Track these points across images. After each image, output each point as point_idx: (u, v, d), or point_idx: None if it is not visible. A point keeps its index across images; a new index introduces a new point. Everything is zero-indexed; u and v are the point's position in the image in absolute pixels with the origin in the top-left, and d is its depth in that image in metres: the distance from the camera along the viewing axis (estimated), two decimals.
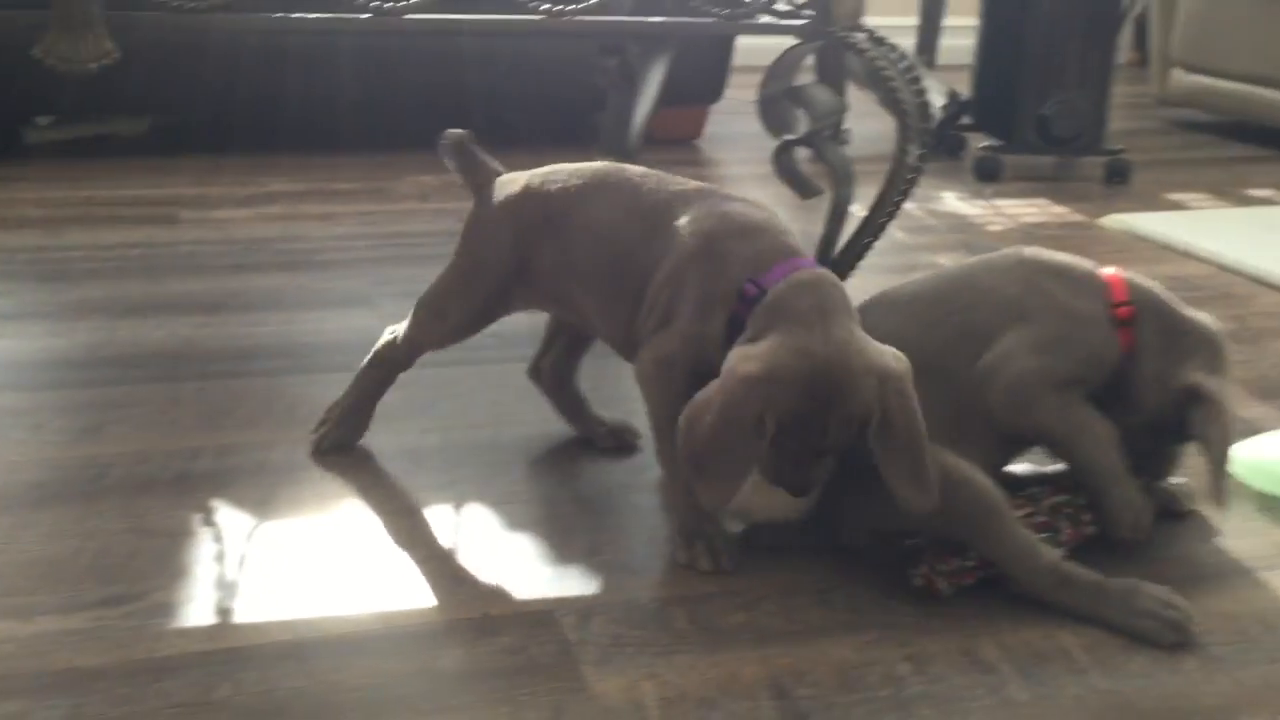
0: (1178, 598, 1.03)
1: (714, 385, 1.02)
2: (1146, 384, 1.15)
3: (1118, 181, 2.76)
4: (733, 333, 1.07)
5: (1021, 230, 2.35)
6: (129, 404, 1.43)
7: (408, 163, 2.66)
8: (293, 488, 1.24)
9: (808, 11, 1.60)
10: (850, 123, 2.97)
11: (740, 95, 2.58)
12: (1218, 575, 1.13)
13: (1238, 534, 1.20)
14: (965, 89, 3.04)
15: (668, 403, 1.11)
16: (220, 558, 1.10)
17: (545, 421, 1.37)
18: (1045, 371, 1.13)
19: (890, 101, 1.55)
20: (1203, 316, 1.19)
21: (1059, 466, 1.18)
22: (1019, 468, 1.22)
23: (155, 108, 2.86)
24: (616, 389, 1.46)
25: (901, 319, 1.12)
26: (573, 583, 1.08)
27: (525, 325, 1.38)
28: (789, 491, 1.05)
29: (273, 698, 0.91)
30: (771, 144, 1.67)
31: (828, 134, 1.63)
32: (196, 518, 1.17)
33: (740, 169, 2.86)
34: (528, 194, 1.23)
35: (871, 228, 1.62)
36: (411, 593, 1.06)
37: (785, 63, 1.63)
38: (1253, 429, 1.39)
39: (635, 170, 1.22)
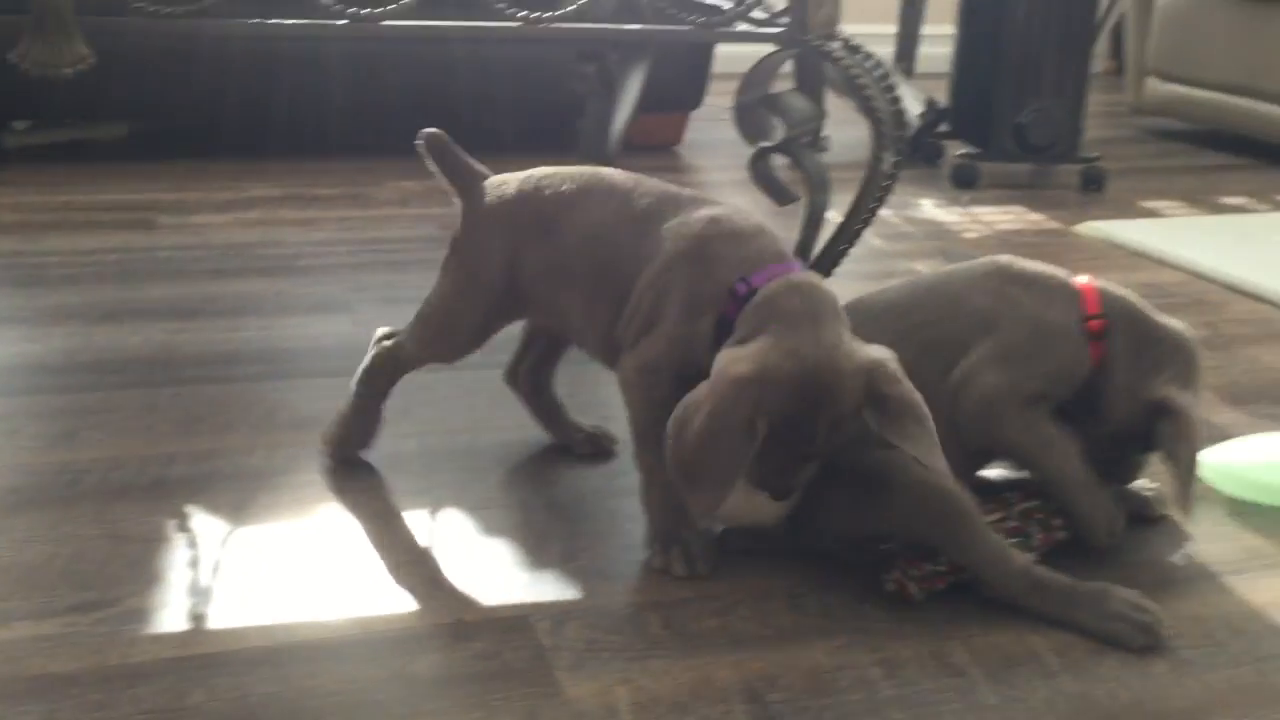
0: (1147, 601, 1.04)
1: (703, 388, 1.02)
2: (1116, 395, 1.16)
3: (1093, 189, 2.79)
4: (721, 334, 1.07)
5: (998, 237, 2.36)
6: (105, 409, 1.42)
7: (389, 168, 2.66)
8: (269, 493, 1.24)
9: (783, 20, 1.61)
10: (829, 130, 2.99)
11: (720, 102, 2.59)
12: (1187, 580, 1.14)
13: (1207, 538, 1.21)
14: (944, 97, 3.06)
15: (650, 408, 1.11)
16: (195, 563, 1.10)
17: (522, 427, 1.37)
18: (1012, 388, 1.13)
19: (865, 109, 1.56)
20: (1176, 326, 1.20)
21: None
22: (991, 472, 1.23)
23: (134, 113, 2.85)
24: (594, 395, 1.46)
25: (874, 330, 1.12)
26: (548, 588, 1.09)
27: (503, 330, 1.38)
28: (771, 494, 1.05)
29: (246, 703, 0.91)
30: (750, 151, 1.68)
31: (805, 141, 1.64)
32: (171, 523, 1.17)
33: (720, 175, 2.87)
34: (521, 197, 1.22)
35: (847, 234, 1.63)
36: (386, 598, 1.06)
37: (761, 70, 1.64)
38: (1223, 434, 1.40)
39: (628, 175, 1.22)
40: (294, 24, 1.53)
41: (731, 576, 1.11)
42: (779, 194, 1.65)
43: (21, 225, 2.21)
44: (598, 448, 1.35)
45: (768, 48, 1.66)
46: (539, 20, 1.54)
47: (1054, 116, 2.75)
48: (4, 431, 1.36)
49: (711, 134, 3.22)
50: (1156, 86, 3.52)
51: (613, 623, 1.03)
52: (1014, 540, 1.10)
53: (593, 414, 1.40)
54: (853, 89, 1.57)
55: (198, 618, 1.02)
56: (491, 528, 1.19)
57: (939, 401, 1.13)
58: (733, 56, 2.51)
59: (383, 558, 1.13)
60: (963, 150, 2.85)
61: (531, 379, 1.35)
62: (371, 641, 1.00)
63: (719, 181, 2.80)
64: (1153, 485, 1.25)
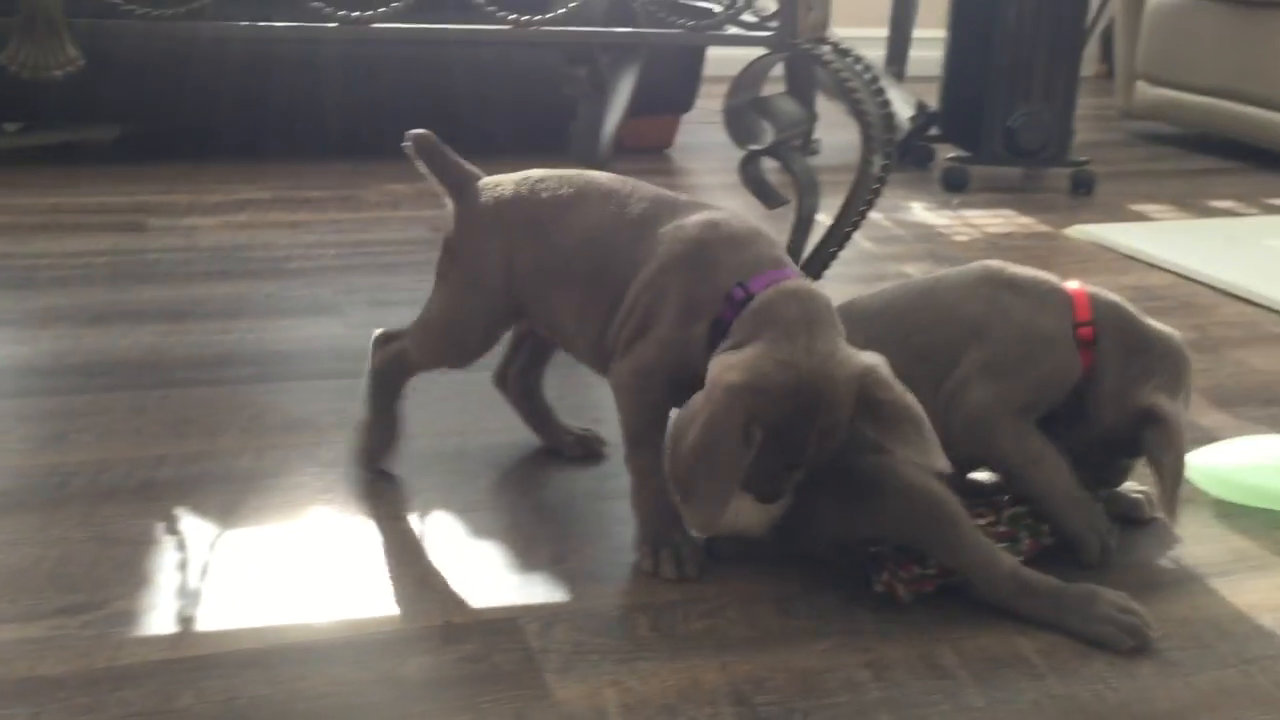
0: (1135, 604, 1.04)
1: (698, 398, 1.02)
2: (1104, 401, 1.16)
3: (1083, 193, 2.80)
4: (715, 338, 1.06)
5: (987, 240, 2.37)
6: (93, 412, 1.42)
7: (379, 170, 2.66)
8: (258, 496, 1.24)
9: (773, 23, 1.61)
10: (820, 133, 3.00)
11: (712, 105, 2.60)
12: (1174, 581, 1.14)
13: (1195, 540, 1.21)
14: (934, 101, 3.07)
15: (643, 412, 1.11)
16: (183, 566, 1.10)
17: (511, 430, 1.37)
18: (1003, 401, 1.13)
19: (854, 112, 1.57)
20: (1167, 332, 1.20)
21: None
22: (981, 475, 1.23)
23: (125, 115, 2.85)
24: (583, 397, 1.46)
25: (865, 336, 1.11)
26: (537, 590, 1.09)
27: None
28: (758, 498, 1.05)
29: (235, 706, 0.91)
30: (742, 154, 1.68)
31: (794, 144, 1.64)
32: (160, 526, 1.17)
33: (711, 178, 2.87)
34: (517, 198, 1.21)
35: (837, 237, 1.64)
36: (375, 600, 1.06)
37: (751, 74, 1.65)
38: (1210, 437, 1.41)
39: (621, 178, 1.21)
40: (284, 26, 1.53)
41: (720, 579, 1.11)
42: (768, 197, 1.65)
43: (11, 227, 2.20)
44: (588, 450, 1.35)
45: (758, 51, 1.66)
46: (529, 23, 1.54)
47: (1044, 120, 2.76)
48: None
49: (703, 137, 3.22)
50: (1146, 90, 3.53)
51: (601, 625, 1.04)
52: (1003, 545, 1.10)
53: (582, 417, 1.40)
54: (842, 92, 1.58)
55: (186, 620, 1.02)
56: (481, 530, 1.19)
57: (929, 412, 1.13)
58: (724, 59, 2.51)
59: (372, 560, 1.13)
60: (953, 153, 2.86)
61: (520, 382, 1.35)
62: (360, 644, 1.00)
63: (710, 184, 2.80)
64: (1141, 488, 1.25)
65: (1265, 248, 2.34)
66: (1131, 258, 2.26)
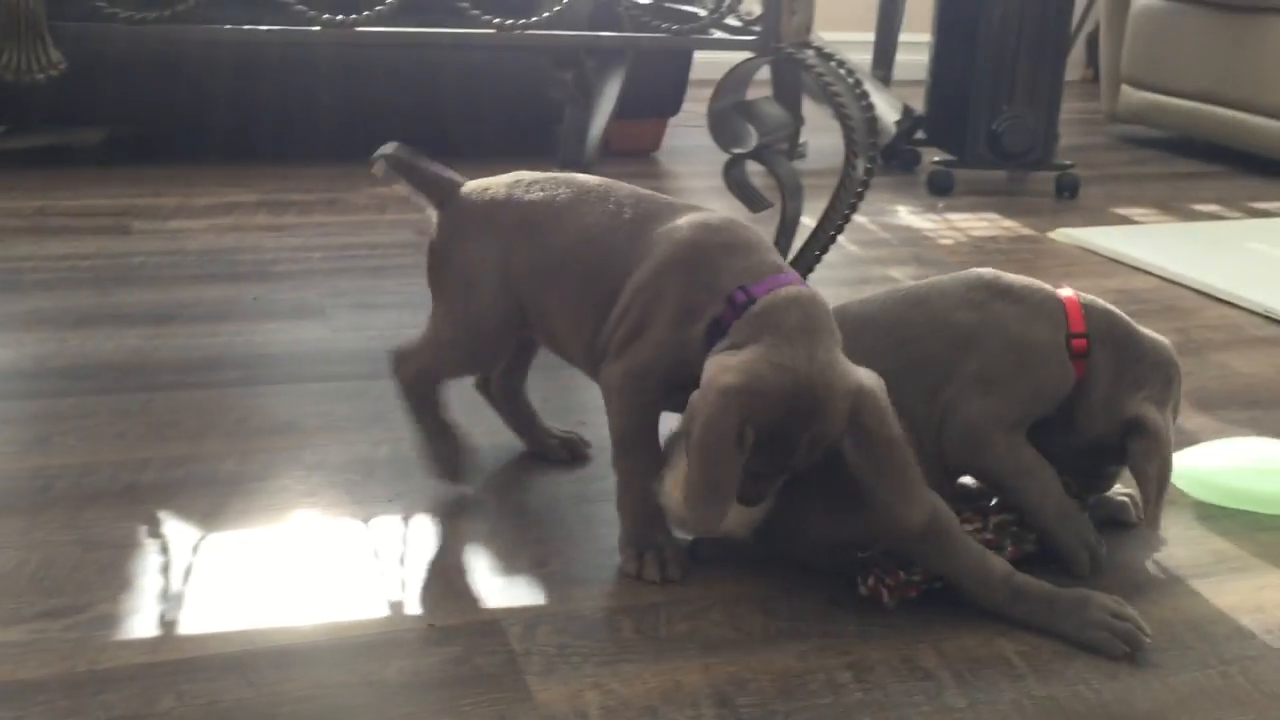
0: (1127, 608, 1.04)
1: (697, 395, 1.01)
2: (1093, 410, 1.16)
3: (1067, 196, 2.81)
4: (712, 338, 1.06)
5: (972, 244, 2.38)
6: (77, 415, 1.42)
7: (366, 174, 2.65)
8: (242, 499, 1.24)
9: (757, 28, 1.62)
10: (806, 136, 3.01)
11: (699, 108, 2.61)
12: (1156, 583, 1.15)
13: (1177, 542, 1.22)
14: (921, 104, 3.08)
15: (633, 414, 1.11)
16: (166, 569, 1.10)
17: (495, 433, 1.37)
18: (996, 414, 1.13)
19: (838, 116, 1.57)
20: (1159, 341, 1.20)
21: None
22: (968, 479, 1.23)
23: (111, 119, 2.85)
24: (569, 400, 1.47)
25: (857, 344, 1.11)
26: (520, 593, 1.09)
27: None
28: (740, 501, 1.06)
29: (216, 709, 0.91)
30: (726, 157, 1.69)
31: (780, 148, 1.65)
32: (143, 529, 1.17)
33: (698, 181, 2.88)
34: (508, 200, 1.21)
35: (821, 240, 1.64)
36: (358, 603, 1.06)
37: (735, 78, 1.65)
38: (1192, 439, 1.42)
39: (602, 180, 1.21)
40: (269, 30, 1.53)
41: (703, 581, 1.11)
42: (752, 200, 1.66)
43: None
44: (574, 452, 1.35)
45: (744, 55, 1.67)
46: (514, 26, 1.54)
47: (1028, 124, 2.78)
48: None
49: (689, 140, 3.23)
50: (1130, 94, 3.55)
51: (584, 627, 1.04)
52: None
53: (567, 420, 1.40)
54: (825, 96, 1.58)
55: (168, 624, 1.02)
56: (464, 533, 1.19)
57: (922, 423, 1.13)
58: (711, 63, 2.52)
59: (355, 563, 1.13)
60: (939, 157, 2.87)
61: (504, 386, 1.35)
62: (342, 647, 1.00)
63: (697, 188, 2.81)
64: (1127, 491, 1.25)
65: (1248, 251, 2.35)
66: (1115, 261, 2.28)
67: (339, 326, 1.75)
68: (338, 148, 2.81)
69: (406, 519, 1.21)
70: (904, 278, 2.09)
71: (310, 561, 1.13)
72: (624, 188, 1.20)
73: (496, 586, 1.10)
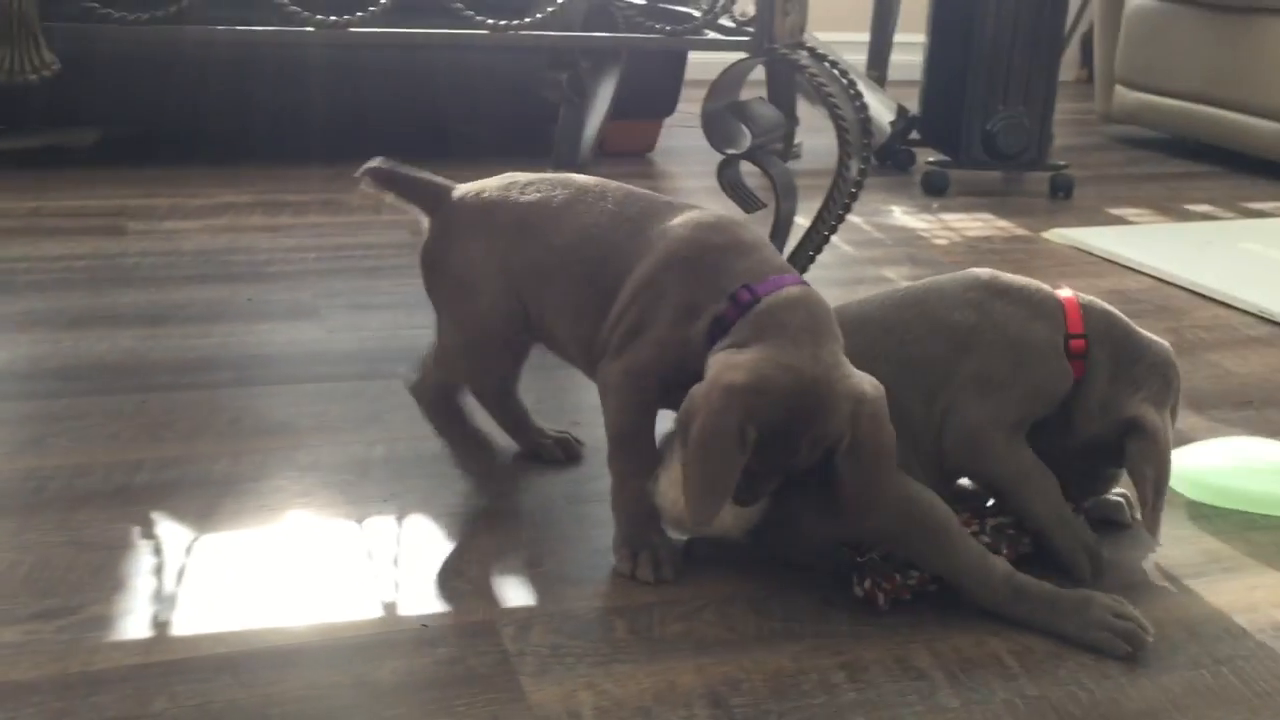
0: (1130, 608, 1.04)
1: (699, 390, 1.01)
2: (1091, 410, 1.16)
3: (1061, 196, 2.81)
4: (714, 336, 1.06)
5: (966, 244, 2.38)
6: (70, 416, 1.42)
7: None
8: (235, 500, 1.23)
9: (750, 28, 1.62)
10: (801, 137, 3.01)
11: (694, 109, 2.61)
12: (1147, 583, 1.15)
13: (1168, 542, 1.22)
14: (916, 105, 3.08)
15: (631, 413, 1.11)
16: (159, 571, 1.10)
17: (489, 434, 1.37)
18: (996, 417, 1.13)
19: (831, 117, 1.57)
20: (1159, 343, 1.19)
21: None
22: (964, 481, 1.23)
23: (106, 119, 2.84)
24: (562, 401, 1.47)
25: (855, 345, 1.10)
26: (514, 593, 1.09)
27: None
28: (736, 500, 1.06)
29: (208, 710, 0.91)
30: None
31: (776, 148, 1.65)
32: (136, 531, 1.17)
33: (693, 182, 2.88)
34: (506, 202, 1.20)
35: (814, 240, 1.64)
36: (351, 604, 1.06)
37: (729, 78, 1.65)
38: (1184, 439, 1.42)
39: (616, 183, 1.21)
40: (262, 30, 1.53)
41: (696, 581, 1.11)
42: (746, 201, 1.66)
43: None
44: (569, 452, 1.35)
45: (738, 55, 1.67)
46: (508, 27, 1.54)
47: (1023, 124, 2.78)
48: None
49: (684, 141, 3.23)
50: (1124, 95, 3.56)
51: (578, 628, 1.04)
52: None
53: (561, 420, 1.40)
54: (818, 97, 1.59)
55: (161, 625, 1.02)
56: (458, 533, 1.19)
57: (920, 423, 1.13)
58: (707, 63, 2.52)
59: (348, 564, 1.13)
60: (933, 157, 2.88)
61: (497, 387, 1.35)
62: (335, 648, 1.00)
63: (692, 188, 2.81)
64: (1122, 491, 1.25)
65: (1241, 251, 2.36)
66: (1109, 261, 2.28)
67: (334, 327, 1.75)
68: (333, 148, 2.81)
69: (401, 520, 1.21)
70: (898, 278, 2.09)
71: (304, 562, 1.13)
72: (619, 187, 1.20)
73: (490, 587, 1.10)
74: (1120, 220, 2.64)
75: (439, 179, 1.26)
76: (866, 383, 1.04)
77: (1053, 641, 1.03)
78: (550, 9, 1.56)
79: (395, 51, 2.71)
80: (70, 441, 1.35)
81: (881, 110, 3.07)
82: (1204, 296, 2.06)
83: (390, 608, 1.06)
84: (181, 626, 1.02)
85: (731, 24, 1.65)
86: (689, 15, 1.68)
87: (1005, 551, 1.13)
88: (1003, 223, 2.57)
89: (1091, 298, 1.21)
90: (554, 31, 1.61)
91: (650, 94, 3.01)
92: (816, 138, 2.97)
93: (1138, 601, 1.10)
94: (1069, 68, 4.61)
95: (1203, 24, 3.25)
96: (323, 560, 1.13)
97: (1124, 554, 1.20)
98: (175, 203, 2.43)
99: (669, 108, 3.13)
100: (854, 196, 1.61)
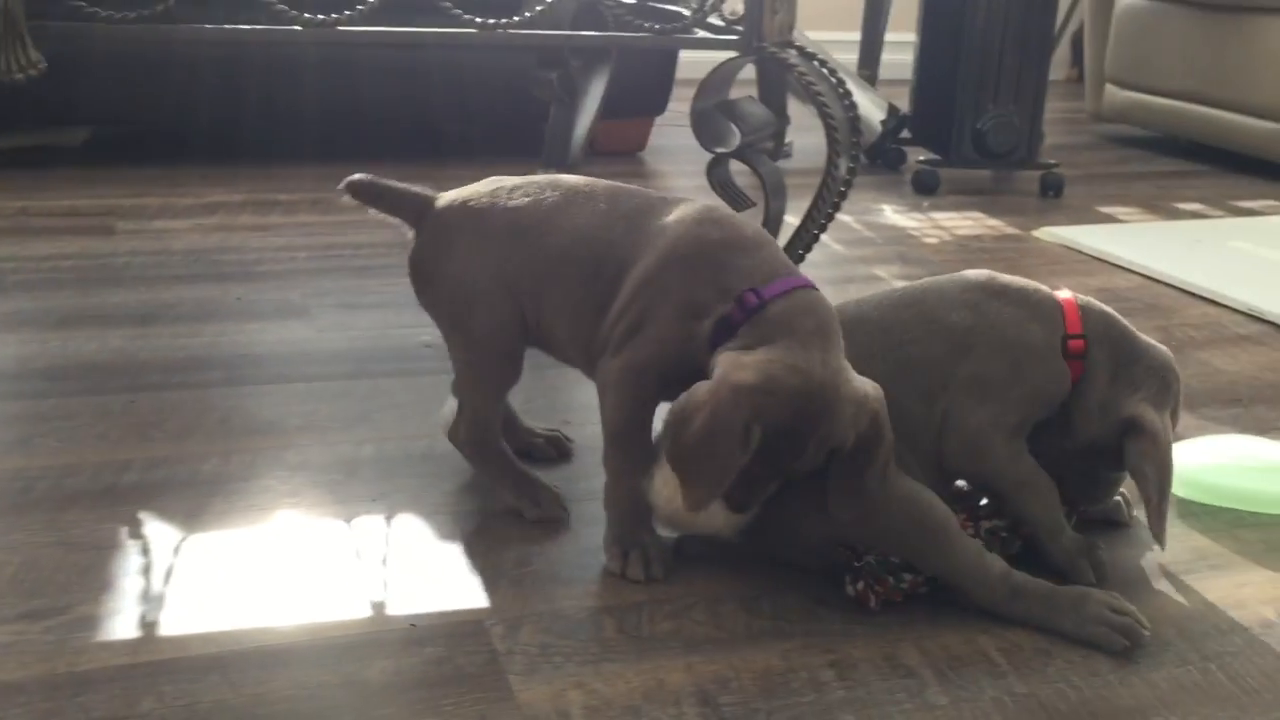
0: (1126, 603, 1.05)
1: (703, 387, 1.01)
2: (1090, 411, 1.16)
3: (1052, 195, 2.82)
4: (719, 337, 1.06)
5: (957, 243, 2.39)
6: (58, 416, 1.41)
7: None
8: (223, 500, 1.23)
9: (739, 27, 1.62)
10: (792, 136, 3.01)
11: (685, 107, 2.61)
12: (1137, 580, 1.15)
13: None
14: (906, 103, 3.08)
15: (630, 410, 1.11)
16: (146, 571, 1.10)
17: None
18: (996, 421, 1.13)
19: (820, 115, 1.58)
20: (1157, 346, 1.19)
21: None
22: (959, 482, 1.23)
23: (95, 118, 2.84)
24: (553, 400, 1.47)
25: (853, 345, 1.10)
26: (503, 593, 1.09)
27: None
28: (729, 503, 1.05)
29: (196, 710, 0.91)
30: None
31: (766, 146, 1.65)
32: (123, 531, 1.16)
33: (684, 180, 2.88)
34: (496, 207, 1.19)
35: (804, 239, 1.64)
36: (339, 604, 1.06)
37: (718, 77, 1.65)
38: (1175, 437, 1.41)
39: (604, 181, 1.21)
40: (251, 29, 1.53)
41: (686, 580, 1.11)
42: (736, 199, 1.66)
43: None
44: (560, 449, 1.35)
45: (727, 54, 1.67)
46: (497, 26, 1.54)
47: (1013, 123, 2.78)
48: None
49: (675, 139, 3.23)
50: (1114, 93, 3.56)
51: (567, 627, 1.04)
52: None
53: (552, 419, 1.40)
54: (807, 95, 1.59)
55: (148, 625, 1.01)
56: (447, 533, 1.19)
57: (919, 424, 1.13)
58: (698, 62, 2.52)
59: (337, 563, 1.12)
60: (924, 156, 2.88)
61: None
62: (323, 647, 1.00)
63: (683, 187, 2.81)
64: (1120, 491, 1.25)
65: (1231, 249, 2.36)
66: (1099, 259, 2.28)
67: (323, 326, 1.75)
68: (323, 147, 2.81)
69: (389, 519, 1.21)
70: (889, 276, 2.09)
71: (292, 562, 1.12)
72: (608, 184, 1.20)
73: (479, 586, 1.10)
74: (1110, 219, 2.65)
75: (421, 189, 1.24)
76: (869, 386, 1.04)
77: (1041, 639, 1.04)
78: (539, 8, 1.56)
79: (386, 50, 2.70)
80: (58, 441, 1.35)
81: (872, 109, 3.08)
82: (1193, 295, 2.07)
83: (379, 607, 1.06)
84: (169, 626, 1.01)
85: (720, 23, 1.65)
86: (678, 14, 1.68)
87: (995, 553, 1.13)
88: (993, 221, 2.58)
89: (1090, 298, 1.21)
90: (543, 30, 1.61)
91: (641, 93, 3.01)
92: (807, 136, 2.97)
93: (1127, 598, 1.10)
94: (1059, 67, 4.62)
95: (1193, 23, 3.26)
96: (311, 560, 1.13)
97: (1113, 552, 1.20)
98: (164, 202, 2.43)
99: (660, 107, 3.13)
100: (843, 195, 1.62)
